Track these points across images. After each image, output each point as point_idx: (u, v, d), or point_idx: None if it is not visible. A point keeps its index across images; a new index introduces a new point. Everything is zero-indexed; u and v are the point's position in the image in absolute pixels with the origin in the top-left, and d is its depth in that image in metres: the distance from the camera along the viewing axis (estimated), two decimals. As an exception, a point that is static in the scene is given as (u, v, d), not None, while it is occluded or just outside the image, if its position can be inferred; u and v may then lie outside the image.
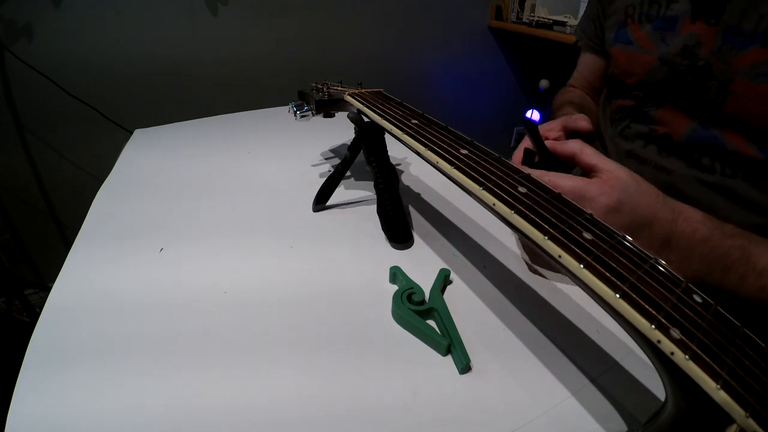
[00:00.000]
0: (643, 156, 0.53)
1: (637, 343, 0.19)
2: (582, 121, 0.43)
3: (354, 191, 0.55)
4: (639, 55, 0.52)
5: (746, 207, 0.46)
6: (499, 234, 0.45)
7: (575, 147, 0.37)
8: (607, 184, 0.33)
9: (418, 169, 0.61)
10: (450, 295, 0.37)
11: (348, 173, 0.55)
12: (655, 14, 0.50)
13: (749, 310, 0.32)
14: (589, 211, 0.24)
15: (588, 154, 0.36)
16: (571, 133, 0.44)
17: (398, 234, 0.44)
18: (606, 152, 0.61)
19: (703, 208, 0.36)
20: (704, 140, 0.47)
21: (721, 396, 0.16)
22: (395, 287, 0.37)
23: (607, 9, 0.59)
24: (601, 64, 0.66)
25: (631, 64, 0.54)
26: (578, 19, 1.51)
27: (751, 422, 0.15)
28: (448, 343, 0.31)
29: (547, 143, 0.39)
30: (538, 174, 0.34)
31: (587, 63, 0.69)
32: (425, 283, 0.37)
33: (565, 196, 0.26)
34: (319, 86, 0.57)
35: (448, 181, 0.30)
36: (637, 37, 0.53)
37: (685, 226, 0.35)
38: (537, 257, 0.40)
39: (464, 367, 0.30)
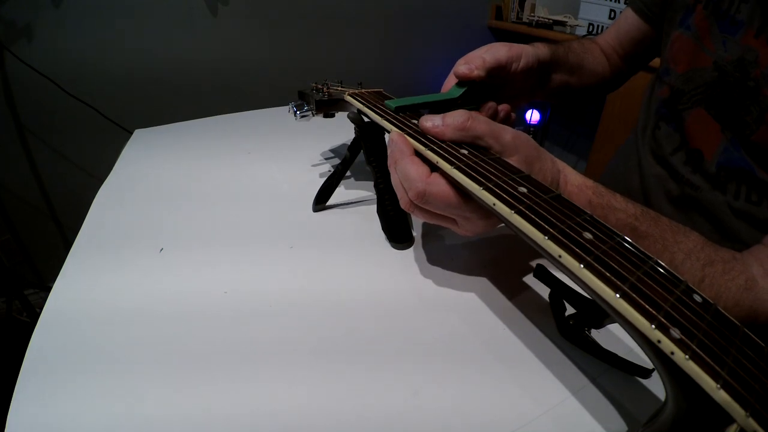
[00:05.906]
0: (672, 165, 0.51)
1: (637, 343, 0.19)
2: (458, 67, 0.42)
3: (354, 191, 0.55)
4: (695, 49, 0.49)
5: None
6: (499, 234, 0.45)
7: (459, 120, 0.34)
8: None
9: (418, 169, 0.61)
10: (449, 295, 0.37)
11: (348, 173, 0.55)
12: (724, 10, 0.45)
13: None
14: (590, 211, 0.24)
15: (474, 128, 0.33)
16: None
17: (398, 234, 0.44)
18: (638, 152, 0.58)
19: (726, 230, 0.34)
20: (734, 164, 0.45)
21: (721, 396, 0.16)
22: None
23: None
24: (642, 29, 0.60)
25: (684, 53, 0.50)
26: (578, 19, 1.53)
27: (751, 422, 0.15)
28: None
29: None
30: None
31: (627, 23, 0.61)
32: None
33: (565, 197, 0.26)
34: (319, 86, 0.57)
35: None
36: (699, 27, 0.48)
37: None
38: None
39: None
